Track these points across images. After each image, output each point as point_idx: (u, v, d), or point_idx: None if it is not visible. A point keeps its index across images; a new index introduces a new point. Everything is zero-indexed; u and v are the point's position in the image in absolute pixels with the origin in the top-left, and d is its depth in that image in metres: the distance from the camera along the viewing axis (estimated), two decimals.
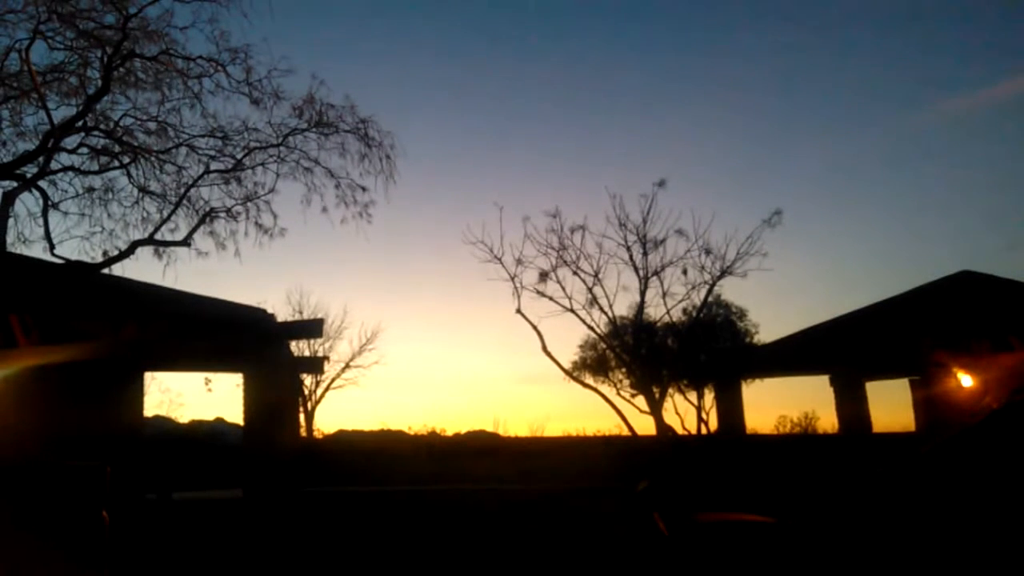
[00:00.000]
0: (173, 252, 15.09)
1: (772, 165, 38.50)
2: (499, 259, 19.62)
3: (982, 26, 36.45)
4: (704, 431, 20.09)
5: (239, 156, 15.22)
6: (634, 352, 19.64)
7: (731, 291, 24.23)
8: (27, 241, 14.42)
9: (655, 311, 20.26)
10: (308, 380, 27.26)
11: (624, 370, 20.34)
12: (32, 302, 12.69)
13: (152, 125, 14.82)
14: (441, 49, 39.99)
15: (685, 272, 19.59)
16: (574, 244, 19.57)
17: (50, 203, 14.23)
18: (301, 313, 27.95)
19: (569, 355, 21.99)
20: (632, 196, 20.01)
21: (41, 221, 14.04)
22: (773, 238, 19.41)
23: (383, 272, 43.17)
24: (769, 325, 38.53)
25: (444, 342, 43.89)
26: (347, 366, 28.69)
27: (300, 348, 26.17)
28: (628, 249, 19.53)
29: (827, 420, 23.88)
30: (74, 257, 14.16)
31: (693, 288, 19.70)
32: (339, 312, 32.18)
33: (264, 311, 13.83)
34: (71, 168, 14.50)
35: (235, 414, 25.03)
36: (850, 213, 39.98)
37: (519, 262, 19.58)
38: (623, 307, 20.48)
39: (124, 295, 13.09)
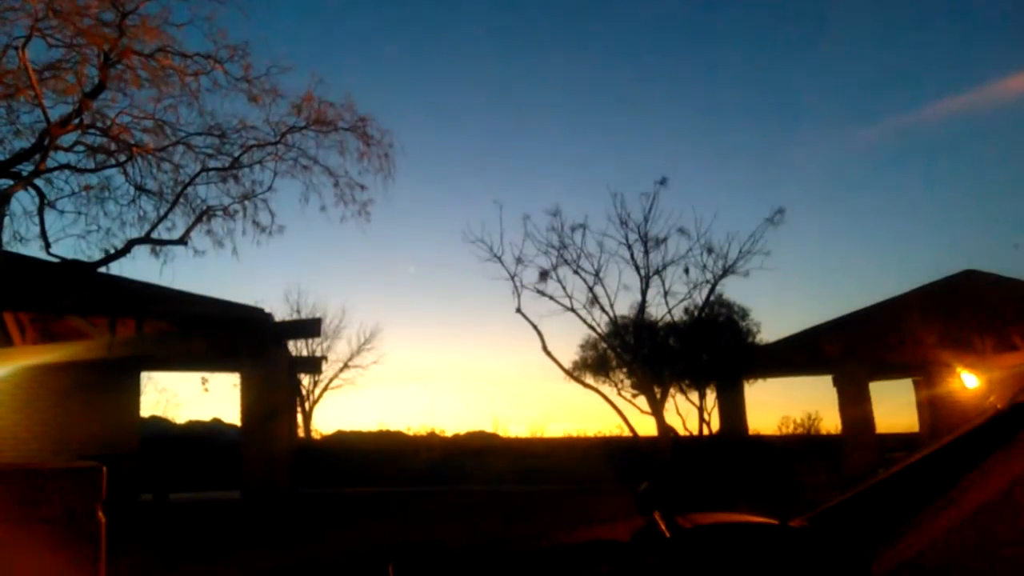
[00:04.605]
0: (170, 251, 15.01)
1: (775, 163, 38.37)
2: (499, 258, 19.53)
3: (984, 24, 36.33)
4: (706, 432, 19.96)
5: (237, 154, 15.15)
6: (635, 352, 19.50)
7: (733, 290, 24.18)
8: (23, 239, 14.33)
9: (656, 310, 20.19)
10: (306, 380, 27.20)
11: (625, 370, 20.20)
12: (28, 301, 12.61)
13: (149, 123, 14.72)
14: (441, 48, 39.91)
15: (687, 271, 19.52)
16: (574, 243, 19.48)
17: (46, 201, 14.16)
18: (299, 312, 27.96)
19: (569, 355, 21.89)
20: (633, 194, 19.89)
21: (37, 219, 13.97)
22: (776, 237, 19.33)
23: (382, 271, 43.06)
24: (772, 325, 38.47)
25: (443, 342, 43.85)
26: (345, 366, 28.70)
27: (298, 348, 26.12)
28: (629, 248, 19.46)
29: (830, 421, 23.80)
30: (70, 256, 14.08)
31: (695, 287, 19.64)
32: (337, 311, 32.15)
33: (262, 310, 13.74)
34: (67, 166, 14.40)
35: (232, 414, 24.98)
36: (854, 212, 39.81)
37: (519, 261, 19.50)
38: (624, 306, 20.43)
39: (121, 294, 13.00)
